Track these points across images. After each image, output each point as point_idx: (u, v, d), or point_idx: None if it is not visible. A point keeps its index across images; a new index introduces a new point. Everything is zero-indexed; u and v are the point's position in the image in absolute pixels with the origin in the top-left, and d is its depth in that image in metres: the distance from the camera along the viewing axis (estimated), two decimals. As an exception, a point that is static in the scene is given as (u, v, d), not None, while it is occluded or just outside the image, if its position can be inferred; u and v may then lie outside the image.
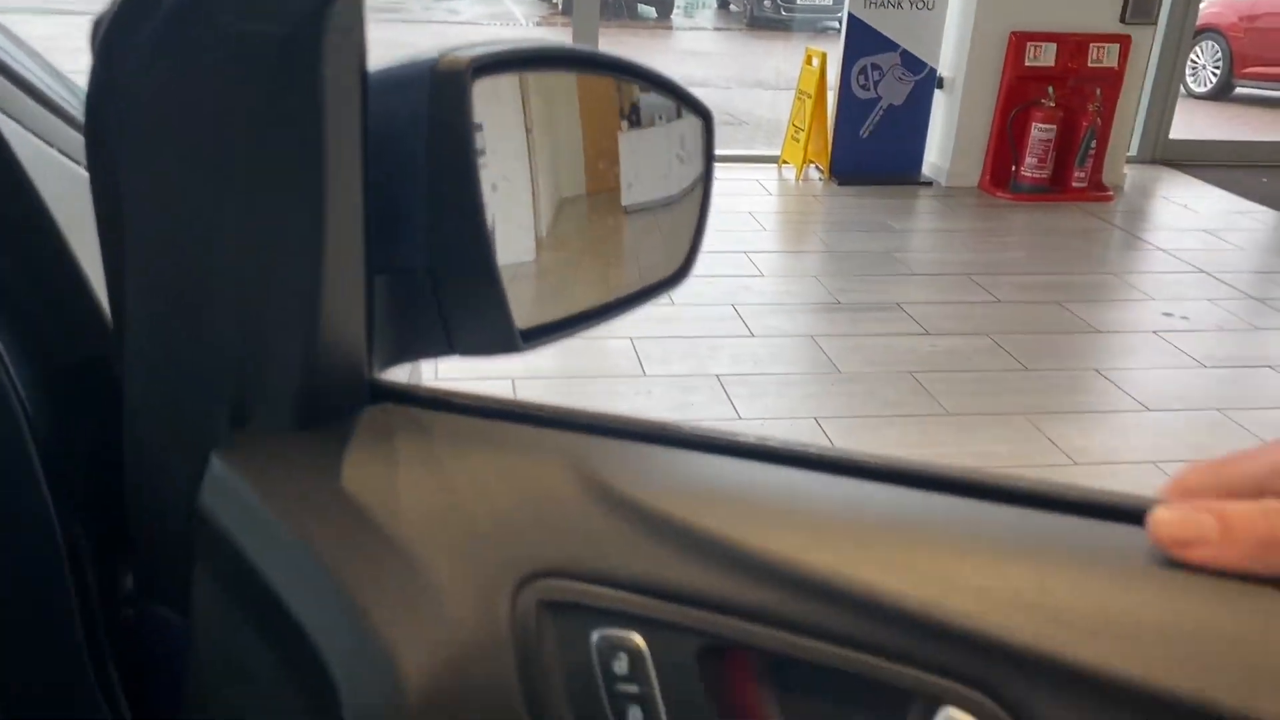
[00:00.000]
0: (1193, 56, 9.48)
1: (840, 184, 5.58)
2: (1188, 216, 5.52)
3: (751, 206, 5.21)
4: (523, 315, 0.55)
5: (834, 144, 5.60)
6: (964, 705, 0.38)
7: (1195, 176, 6.20)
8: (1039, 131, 5.41)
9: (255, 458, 0.47)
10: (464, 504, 0.45)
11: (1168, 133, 6.41)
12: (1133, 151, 6.22)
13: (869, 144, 5.63)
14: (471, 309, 0.53)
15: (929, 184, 5.72)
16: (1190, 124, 7.07)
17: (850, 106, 5.56)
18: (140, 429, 0.51)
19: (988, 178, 5.64)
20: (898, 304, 4.07)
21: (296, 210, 0.46)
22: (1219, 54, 9.75)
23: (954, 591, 0.38)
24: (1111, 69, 5.49)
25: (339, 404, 0.50)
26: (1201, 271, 4.60)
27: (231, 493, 0.47)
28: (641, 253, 0.72)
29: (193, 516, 0.48)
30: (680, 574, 0.42)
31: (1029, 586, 0.38)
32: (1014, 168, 5.54)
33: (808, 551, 0.40)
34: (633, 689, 0.42)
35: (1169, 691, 0.35)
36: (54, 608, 0.64)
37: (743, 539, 0.41)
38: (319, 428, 0.49)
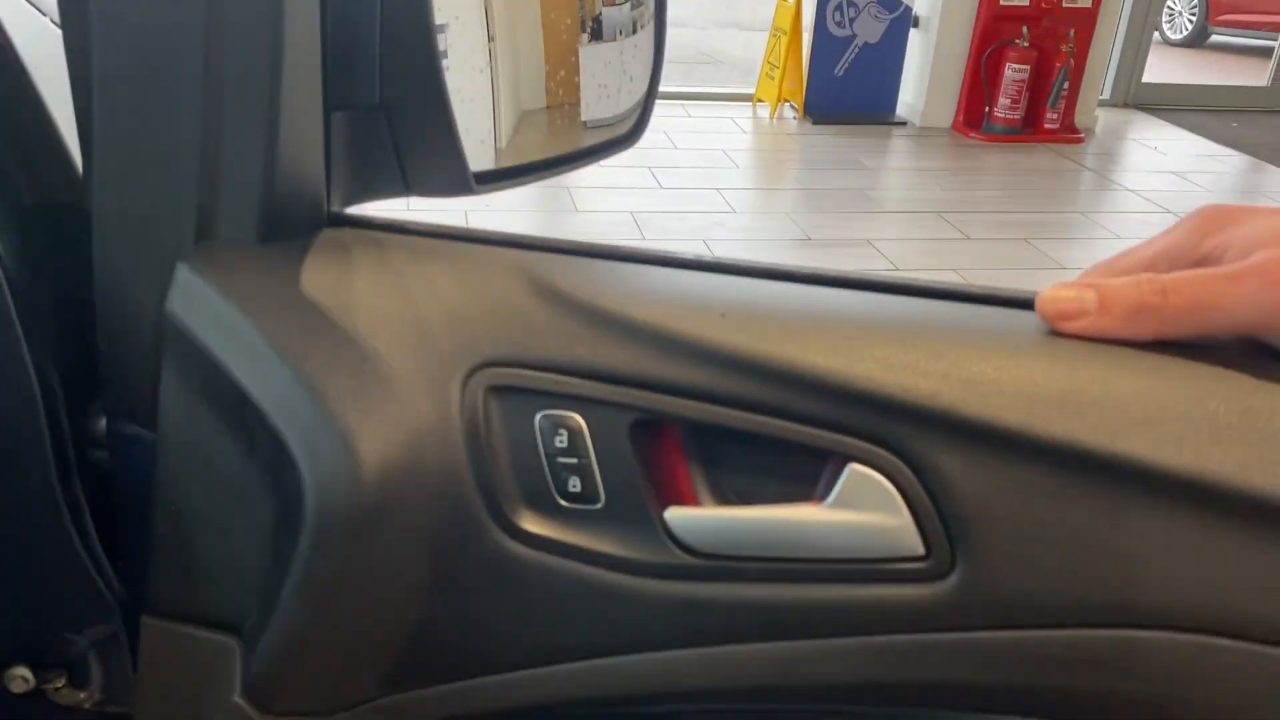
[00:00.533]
0: (1170, 4, 9.47)
1: (815, 123, 5.58)
2: (1157, 159, 5.57)
3: (725, 144, 5.21)
4: (477, 161, 0.58)
5: (809, 82, 5.59)
6: (868, 461, 0.42)
7: (1166, 120, 6.24)
8: (1012, 72, 5.42)
9: (220, 265, 0.50)
10: (417, 303, 0.49)
11: (1140, 76, 6.43)
12: (1105, 95, 6.24)
13: (844, 83, 5.62)
14: (425, 146, 0.56)
15: (903, 124, 5.72)
16: (1164, 70, 7.09)
17: (825, 44, 5.54)
18: (108, 247, 0.54)
19: (961, 118, 5.65)
20: (868, 240, 4.11)
21: (255, 41, 0.48)
22: (1195, 1, 9.74)
23: (859, 361, 0.42)
24: (1086, 9, 5.49)
25: (298, 224, 0.53)
26: (1169, 212, 4.66)
27: (198, 297, 0.49)
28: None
29: (160, 325, 0.51)
30: (615, 358, 0.45)
31: (925, 354, 0.42)
32: (987, 109, 5.56)
33: (730, 334, 0.44)
34: (572, 461, 0.46)
35: (1044, 435, 0.39)
36: (27, 445, 0.67)
37: (672, 326, 0.45)
38: (280, 242, 0.52)
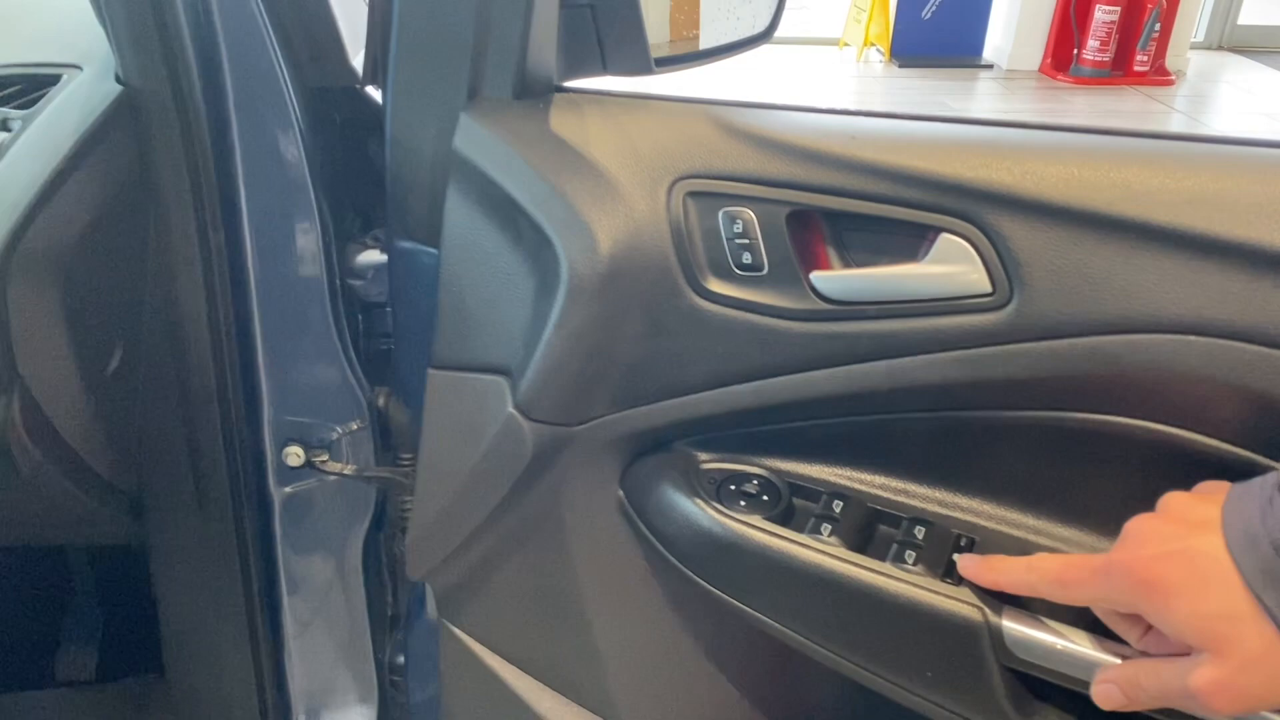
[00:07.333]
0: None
1: (901, 66, 5.65)
2: (1250, 101, 5.52)
3: (811, 88, 5.32)
4: (656, 50, 0.78)
5: (895, 25, 5.65)
6: (954, 231, 0.61)
7: (1262, 62, 6.14)
8: (1102, 13, 5.41)
9: (490, 114, 0.71)
10: (632, 136, 0.69)
11: (1236, 18, 6.33)
12: (1199, 36, 6.17)
13: (930, 25, 5.67)
14: (618, 35, 0.76)
15: (989, 67, 5.76)
16: (1261, 11, 6.94)
17: (913, -13, 5.60)
18: (401, 108, 0.75)
19: (1049, 60, 5.66)
20: (952, 179, 4.21)
21: None
22: (1301, -61, 9.41)
23: (950, 163, 0.61)
24: (1180, -51, 5.45)
25: (537, 89, 0.73)
26: (1258, 152, 4.65)
27: (477, 136, 0.71)
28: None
29: (443, 162, 0.73)
30: (776, 169, 0.65)
31: (997, 156, 0.61)
32: (1075, 50, 5.56)
33: (857, 150, 0.64)
34: (745, 242, 0.66)
35: (1081, 206, 0.58)
36: (311, 278, 0.90)
37: (816, 145, 0.65)
38: (527, 100, 0.72)
